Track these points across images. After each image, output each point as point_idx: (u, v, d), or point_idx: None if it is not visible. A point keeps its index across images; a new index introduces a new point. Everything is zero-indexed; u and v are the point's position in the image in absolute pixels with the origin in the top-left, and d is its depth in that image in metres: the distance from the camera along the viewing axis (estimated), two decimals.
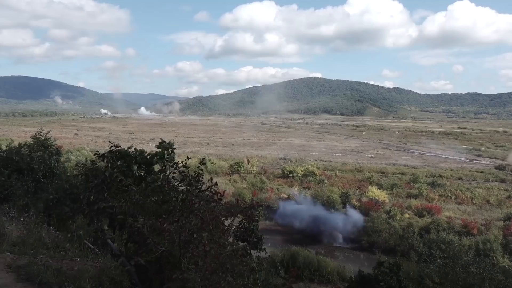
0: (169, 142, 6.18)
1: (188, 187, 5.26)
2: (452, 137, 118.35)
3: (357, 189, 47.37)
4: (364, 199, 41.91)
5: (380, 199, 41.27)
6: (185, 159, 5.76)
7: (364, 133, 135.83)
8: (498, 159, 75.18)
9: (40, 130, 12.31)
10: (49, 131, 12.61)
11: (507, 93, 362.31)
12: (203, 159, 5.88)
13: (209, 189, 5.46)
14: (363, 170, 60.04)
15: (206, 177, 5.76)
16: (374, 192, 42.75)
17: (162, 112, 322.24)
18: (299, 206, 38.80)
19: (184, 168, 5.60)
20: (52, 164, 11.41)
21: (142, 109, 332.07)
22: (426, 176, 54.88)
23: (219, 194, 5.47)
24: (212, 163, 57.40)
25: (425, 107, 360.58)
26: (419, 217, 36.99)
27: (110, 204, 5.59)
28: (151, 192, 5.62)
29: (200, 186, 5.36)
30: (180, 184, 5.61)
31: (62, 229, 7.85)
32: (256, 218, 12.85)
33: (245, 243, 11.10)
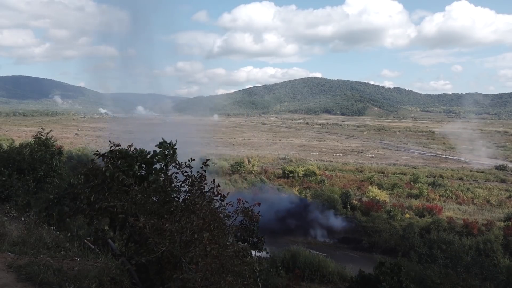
0: (171, 142, 6.16)
1: (191, 188, 5.26)
2: (453, 137, 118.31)
3: (357, 189, 47.41)
4: (364, 199, 41.93)
5: (381, 199, 41.30)
6: (189, 160, 5.76)
7: (364, 133, 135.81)
8: (499, 159, 75.24)
9: (41, 130, 12.31)
10: (50, 131, 12.61)
11: (508, 93, 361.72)
12: (207, 160, 5.86)
13: (212, 190, 5.46)
14: (364, 170, 60.07)
15: (208, 177, 5.76)
16: (375, 192, 42.81)
17: (154, 112, 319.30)
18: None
19: (187, 168, 5.61)
20: (54, 164, 11.42)
21: (140, 108, 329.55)
22: (427, 176, 54.92)
23: (221, 196, 5.47)
24: (212, 163, 57.50)
25: (426, 107, 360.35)
26: (420, 217, 37.01)
27: (111, 204, 5.58)
28: (153, 192, 5.62)
29: (203, 187, 5.36)
30: (182, 185, 5.61)
31: (63, 229, 7.85)
32: (257, 218, 12.83)
33: (246, 243, 11.07)
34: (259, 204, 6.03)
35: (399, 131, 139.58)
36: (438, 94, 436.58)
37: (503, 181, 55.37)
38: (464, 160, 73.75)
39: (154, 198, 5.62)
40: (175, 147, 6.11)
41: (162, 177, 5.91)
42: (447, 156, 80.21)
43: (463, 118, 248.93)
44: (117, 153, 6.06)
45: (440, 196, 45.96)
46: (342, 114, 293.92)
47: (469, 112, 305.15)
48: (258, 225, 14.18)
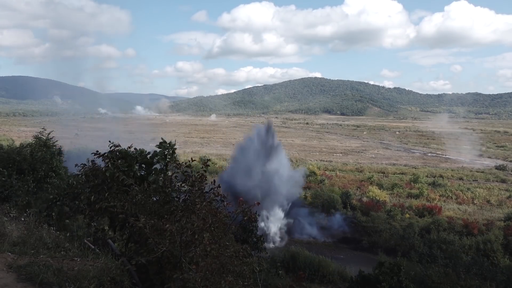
0: (170, 142, 6.17)
1: (191, 188, 5.26)
2: (453, 137, 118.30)
3: (357, 189, 47.38)
4: (364, 199, 41.91)
5: (381, 199, 41.27)
6: (189, 160, 5.77)
7: (364, 133, 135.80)
8: (499, 159, 75.26)
9: (43, 130, 12.32)
10: (51, 131, 12.61)
11: (508, 93, 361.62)
12: (207, 160, 5.86)
13: (212, 190, 5.46)
14: (364, 170, 60.05)
15: (208, 177, 5.77)
16: (375, 192, 42.79)
17: (153, 111, 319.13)
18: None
19: (188, 169, 5.61)
20: (54, 164, 11.42)
21: (139, 108, 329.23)
22: (427, 176, 54.90)
23: (221, 196, 5.47)
24: (212, 163, 57.41)
25: (426, 107, 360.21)
26: (420, 217, 36.98)
27: (111, 204, 5.58)
28: (153, 192, 5.62)
29: (203, 187, 5.36)
30: (182, 185, 5.61)
31: (63, 229, 7.85)
32: (256, 218, 12.82)
33: (245, 244, 11.05)
34: (258, 203, 6.02)
35: (399, 131, 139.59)
36: (438, 94, 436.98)
37: (503, 181, 55.38)
38: (464, 160, 73.74)
39: (154, 198, 5.62)
40: (175, 147, 6.11)
41: (162, 178, 5.92)
42: (446, 156, 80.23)
43: (463, 118, 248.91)
44: (117, 153, 6.07)
45: (440, 196, 45.94)
46: (342, 114, 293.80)
47: (469, 112, 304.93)
48: (257, 225, 14.22)
